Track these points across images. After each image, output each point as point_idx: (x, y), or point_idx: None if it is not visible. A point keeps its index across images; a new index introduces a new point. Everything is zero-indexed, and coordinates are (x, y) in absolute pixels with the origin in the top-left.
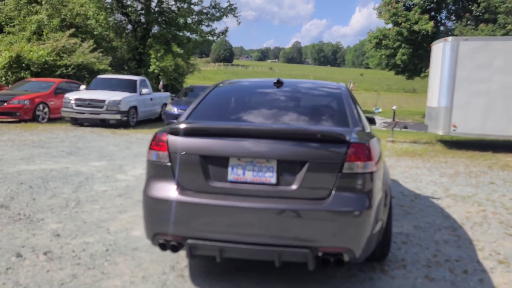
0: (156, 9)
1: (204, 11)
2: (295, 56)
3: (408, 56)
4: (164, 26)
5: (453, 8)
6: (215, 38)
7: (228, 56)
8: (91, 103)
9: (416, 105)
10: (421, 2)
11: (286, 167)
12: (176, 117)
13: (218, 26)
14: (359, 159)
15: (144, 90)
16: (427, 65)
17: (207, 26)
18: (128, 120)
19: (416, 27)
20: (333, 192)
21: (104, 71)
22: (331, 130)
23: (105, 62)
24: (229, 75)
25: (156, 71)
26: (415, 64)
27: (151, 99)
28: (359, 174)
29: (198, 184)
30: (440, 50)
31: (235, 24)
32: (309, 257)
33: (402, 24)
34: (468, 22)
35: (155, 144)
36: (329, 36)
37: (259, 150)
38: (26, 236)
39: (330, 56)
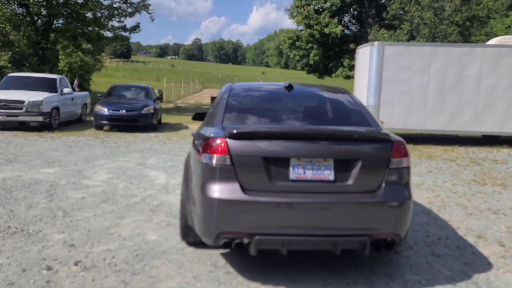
0: (60, 0)
1: (115, 5)
2: (196, 53)
3: (319, 57)
4: (70, 19)
5: (355, 13)
6: (127, 33)
7: (125, 51)
8: (7, 104)
9: None
10: (330, 6)
11: (342, 165)
12: (108, 118)
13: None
14: (401, 155)
15: (65, 90)
16: (336, 66)
17: (118, 22)
18: (51, 122)
19: (326, 30)
20: (383, 185)
21: (3, 68)
22: (378, 131)
23: (4, 58)
24: (130, 72)
25: (66, 68)
26: (325, 64)
27: (72, 99)
28: (401, 168)
29: (261, 183)
30: (367, 53)
31: (143, 20)
32: (366, 244)
33: (314, 26)
34: (371, 28)
35: (213, 148)
36: (229, 33)
37: (317, 150)
38: (38, 249)
39: (231, 54)
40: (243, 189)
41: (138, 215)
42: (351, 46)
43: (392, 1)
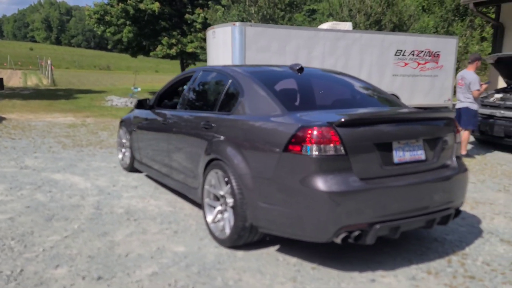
0: None
1: None
2: None
3: (134, 34)
4: None
5: None
6: None
7: None
8: None
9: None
10: None
11: (429, 144)
12: None
13: None
14: (458, 131)
15: None
16: (154, 44)
17: None
18: None
19: (142, 6)
20: (454, 159)
21: None
22: (446, 110)
23: None
24: None
25: None
26: (140, 42)
27: None
28: (459, 143)
29: (373, 170)
30: (228, 33)
31: None
32: (451, 216)
33: (128, 1)
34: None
35: (324, 138)
36: None
37: (412, 132)
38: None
39: None
40: (360, 177)
41: (123, 229)
42: (167, 23)
43: None
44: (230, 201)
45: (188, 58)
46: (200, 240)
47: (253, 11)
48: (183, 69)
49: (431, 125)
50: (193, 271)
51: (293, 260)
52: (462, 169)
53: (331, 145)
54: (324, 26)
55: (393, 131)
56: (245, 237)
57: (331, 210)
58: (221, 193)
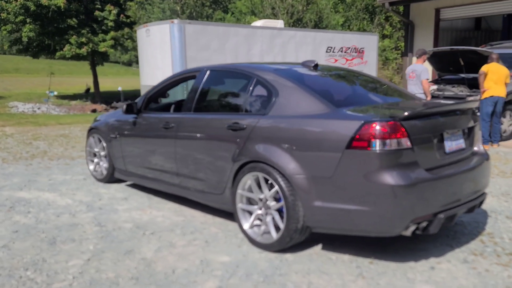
0: None
1: None
2: None
3: (36, 33)
4: None
5: None
6: None
7: None
8: None
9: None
10: None
11: (466, 133)
12: None
13: None
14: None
15: None
16: (60, 44)
17: None
18: None
19: (44, 1)
20: (479, 145)
21: None
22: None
23: None
24: None
25: None
26: (42, 42)
27: None
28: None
29: (433, 161)
30: (166, 32)
31: None
32: (484, 201)
33: None
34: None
35: (391, 132)
36: None
37: (456, 122)
38: None
39: None
40: (425, 168)
41: (147, 245)
42: (74, 21)
43: None
44: (273, 204)
45: (101, 58)
46: (238, 247)
47: (178, 9)
48: (94, 70)
49: (466, 115)
50: (257, 279)
51: (345, 257)
52: (488, 155)
53: (399, 139)
54: (258, 23)
55: (443, 122)
56: (295, 239)
57: (403, 204)
58: (261, 196)
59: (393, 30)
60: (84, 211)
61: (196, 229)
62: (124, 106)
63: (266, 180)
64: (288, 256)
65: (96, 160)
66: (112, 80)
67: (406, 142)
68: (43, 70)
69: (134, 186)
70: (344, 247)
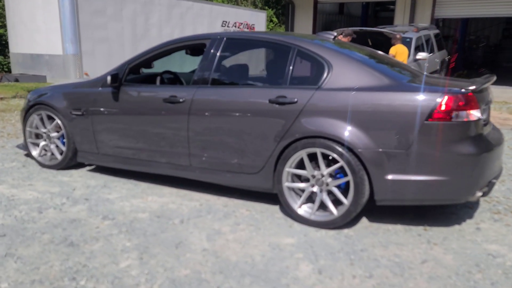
0: None
1: None
2: None
3: None
4: None
5: None
6: None
7: None
8: None
9: None
10: None
11: (485, 109)
12: None
13: None
14: None
15: None
16: None
17: None
18: None
19: None
20: (490, 120)
21: None
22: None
23: None
24: None
25: None
26: None
27: None
28: None
29: (484, 131)
30: None
31: None
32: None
33: None
34: None
35: (469, 104)
36: None
37: (486, 97)
38: None
39: None
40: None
41: (190, 236)
42: None
43: None
44: (329, 180)
45: None
46: (290, 227)
47: None
48: None
49: (488, 91)
50: (346, 258)
51: (398, 227)
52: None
53: (475, 110)
54: None
55: (484, 96)
56: (356, 214)
57: (480, 171)
58: (314, 173)
59: (266, 7)
60: (70, 204)
61: (228, 214)
62: (109, 77)
63: (324, 156)
64: (347, 231)
65: (43, 143)
66: None
67: (479, 113)
68: None
69: (102, 170)
70: (385, 218)
